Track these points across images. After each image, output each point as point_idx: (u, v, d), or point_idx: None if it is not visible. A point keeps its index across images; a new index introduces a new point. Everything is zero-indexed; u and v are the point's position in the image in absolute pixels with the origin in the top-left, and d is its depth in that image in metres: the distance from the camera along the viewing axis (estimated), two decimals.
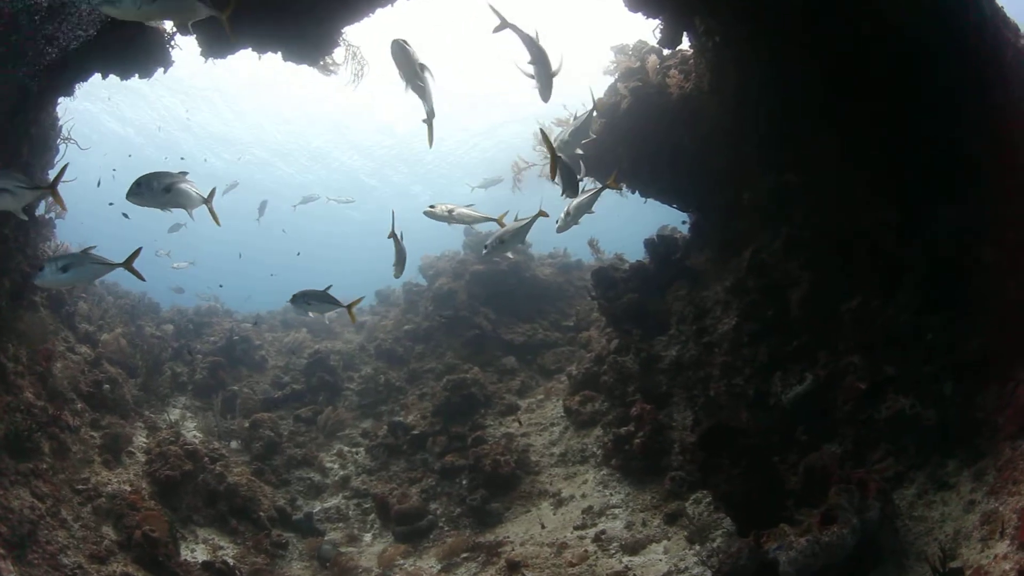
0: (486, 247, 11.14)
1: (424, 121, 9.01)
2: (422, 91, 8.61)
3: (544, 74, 10.20)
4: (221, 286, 26.68)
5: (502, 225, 11.30)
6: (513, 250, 19.38)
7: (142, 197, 8.40)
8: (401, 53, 8.23)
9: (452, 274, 23.54)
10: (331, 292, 11.74)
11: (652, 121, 14.56)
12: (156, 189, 8.38)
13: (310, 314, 13.17)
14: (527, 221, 11.13)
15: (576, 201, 11.33)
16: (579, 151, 12.57)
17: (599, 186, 11.42)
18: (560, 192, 11.09)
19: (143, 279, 9.48)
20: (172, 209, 8.93)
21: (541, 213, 10.93)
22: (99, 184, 19.81)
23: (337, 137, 51.27)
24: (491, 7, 9.29)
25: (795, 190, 11.72)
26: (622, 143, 15.32)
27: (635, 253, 19.85)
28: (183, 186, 8.64)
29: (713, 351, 13.42)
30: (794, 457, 10.09)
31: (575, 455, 16.00)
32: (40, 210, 16.12)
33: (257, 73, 39.15)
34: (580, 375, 17.72)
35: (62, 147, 15.79)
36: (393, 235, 12.11)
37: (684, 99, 13.95)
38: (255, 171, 53.42)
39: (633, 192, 17.04)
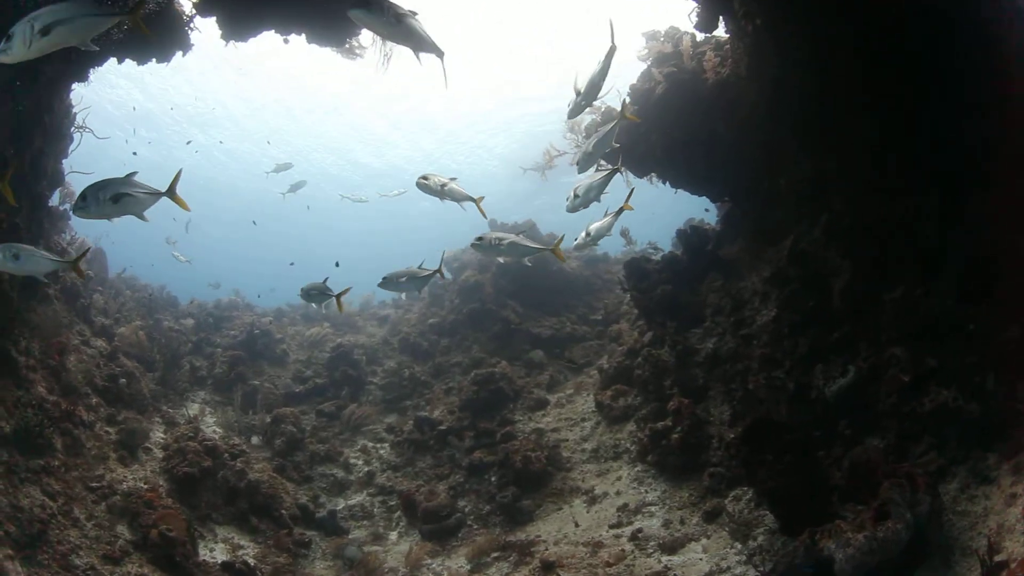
0: (480, 238, 10.82)
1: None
2: (414, 40, 8.03)
3: (590, 98, 10.67)
4: (259, 296, 26.29)
5: (480, 209, 11.26)
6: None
7: (88, 210, 7.91)
8: (366, 18, 7.68)
9: (478, 266, 23.22)
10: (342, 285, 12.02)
11: (687, 107, 14.22)
12: (102, 200, 7.86)
13: (312, 305, 13.09)
14: (536, 247, 11.09)
15: (597, 224, 11.96)
16: (602, 162, 12.23)
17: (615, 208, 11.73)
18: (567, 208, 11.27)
19: (84, 277, 9.35)
20: (117, 219, 8.42)
21: (555, 251, 10.88)
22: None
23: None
24: (610, 25, 9.70)
25: (834, 177, 11.44)
26: (655, 130, 15.00)
27: (663, 245, 19.57)
28: (131, 194, 8.04)
29: (752, 343, 13.08)
30: (838, 451, 9.82)
31: (608, 451, 15.53)
32: (54, 201, 15.71)
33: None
34: (612, 369, 17.21)
35: (76, 136, 15.36)
36: (440, 272, 11.92)
37: (720, 85, 13.66)
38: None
39: (664, 182, 16.71)
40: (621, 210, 11.61)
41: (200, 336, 21.42)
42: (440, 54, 8.23)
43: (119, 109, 39.19)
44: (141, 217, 8.32)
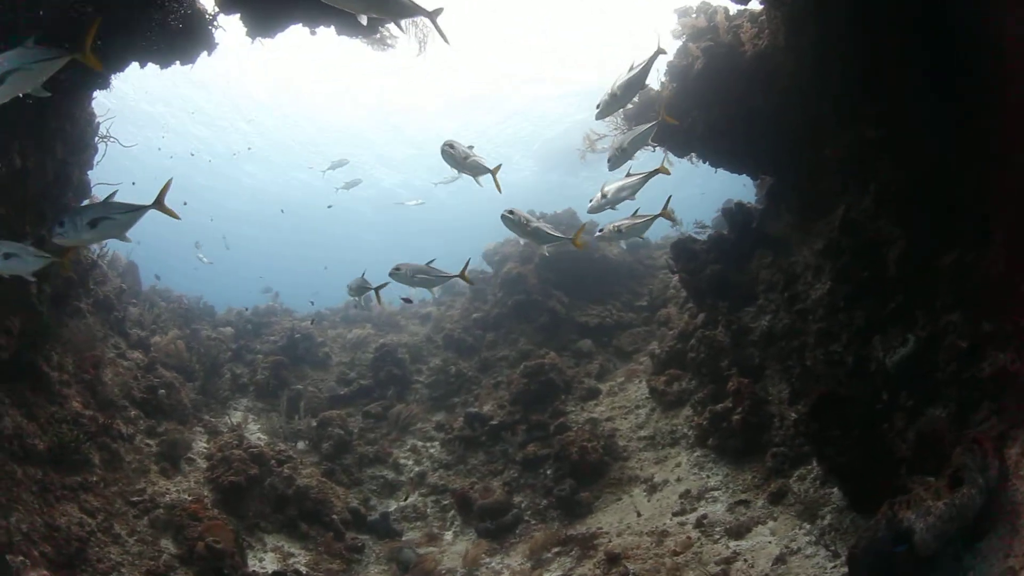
0: (512, 212, 10.50)
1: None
2: (397, 10, 7.48)
3: (624, 101, 11.12)
4: (312, 303, 26.00)
5: (496, 182, 10.71)
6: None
7: (67, 237, 7.76)
8: None
9: (520, 258, 22.72)
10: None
11: (726, 82, 13.73)
12: (80, 226, 7.66)
13: (354, 304, 12.87)
14: (560, 236, 11.15)
15: (628, 222, 11.65)
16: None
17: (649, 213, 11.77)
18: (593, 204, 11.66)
19: (69, 271, 10.33)
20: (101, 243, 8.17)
21: (575, 241, 10.80)
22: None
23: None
24: (657, 34, 10.16)
25: (879, 145, 10.89)
26: (696, 107, 14.47)
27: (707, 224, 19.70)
28: (109, 217, 7.81)
29: (807, 318, 12.48)
30: (900, 424, 9.50)
31: (665, 437, 15.09)
32: None
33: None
34: (664, 354, 16.78)
35: (101, 147, 14.93)
36: (465, 276, 11.51)
37: (758, 56, 13.13)
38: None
39: (704, 161, 16.21)
40: (658, 217, 11.65)
41: (240, 343, 21.21)
42: (429, 14, 7.65)
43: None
44: (123, 238, 8.14)
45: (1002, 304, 8.86)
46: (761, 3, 12.94)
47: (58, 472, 10.81)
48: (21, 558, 8.79)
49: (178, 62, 13.74)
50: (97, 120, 14.69)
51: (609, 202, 11.26)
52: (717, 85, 13.83)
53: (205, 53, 13.79)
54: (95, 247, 16.06)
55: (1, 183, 10.65)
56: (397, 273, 11.09)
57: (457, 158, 10.27)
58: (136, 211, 7.93)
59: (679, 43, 14.89)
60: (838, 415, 9.78)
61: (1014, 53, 8.55)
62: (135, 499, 11.95)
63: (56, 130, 12.77)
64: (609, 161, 11.74)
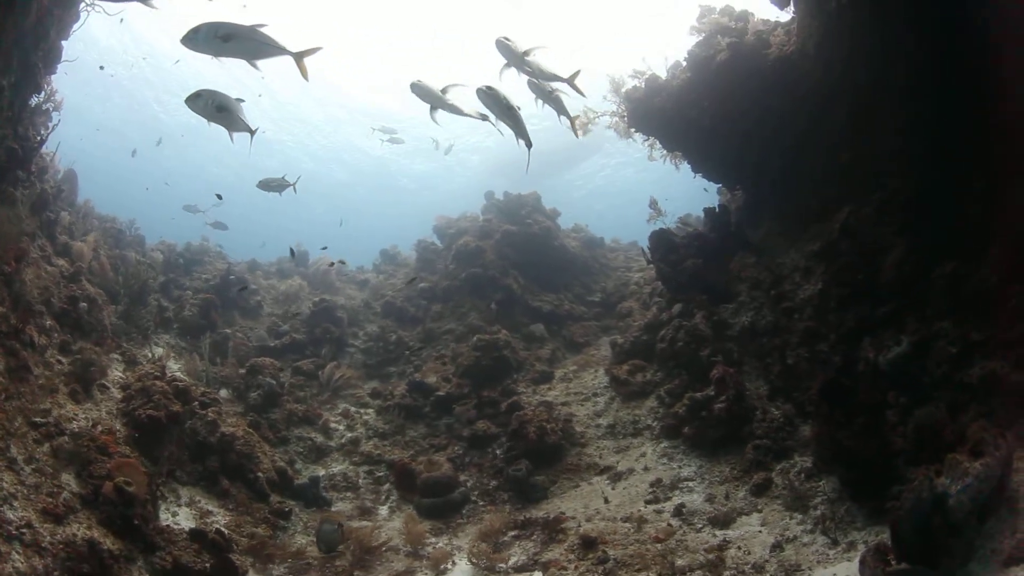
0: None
1: None
2: None
3: (522, 65, 11.36)
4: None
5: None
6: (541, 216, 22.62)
7: None
8: None
9: (478, 233, 22.64)
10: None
11: (745, 80, 14.44)
12: None
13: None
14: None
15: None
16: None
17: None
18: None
19: None
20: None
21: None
22: None
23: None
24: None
25: (889, 157, 11.86)
26: (707, 98, 15.15)
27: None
28: None
29: (792, 317, 13.08)
30: (894, 419, 9.91)
31: (626, 427, 14.64)
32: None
33: None
34: (627, 343, 16.52)
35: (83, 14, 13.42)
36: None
37: (783, 60, 13.86)
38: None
39: (688, 163, 17.52)
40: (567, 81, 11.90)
41: (168, 276, 20.03)
42: None
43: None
44: None
45: (992, 316, 9.49)
46: (793, 13, 13.72)
47: None
48: None
49: None
50: None
51: (520, 62, 11.18)
52: (735, 82, 14.43)
53: None
54: (42, 131, 14.28)
55: None
56: (197, 100, 9.29)
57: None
58: None
59: (698, 38, 15.35)
60: (842, 401, 10.04)
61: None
62: (38, 420, 10.13)
63: None
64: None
